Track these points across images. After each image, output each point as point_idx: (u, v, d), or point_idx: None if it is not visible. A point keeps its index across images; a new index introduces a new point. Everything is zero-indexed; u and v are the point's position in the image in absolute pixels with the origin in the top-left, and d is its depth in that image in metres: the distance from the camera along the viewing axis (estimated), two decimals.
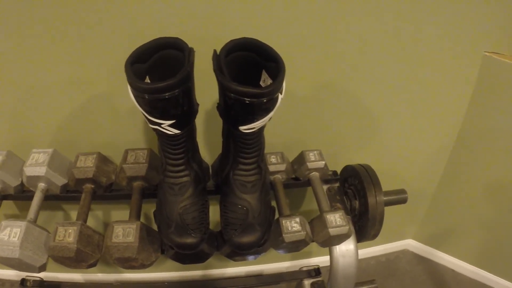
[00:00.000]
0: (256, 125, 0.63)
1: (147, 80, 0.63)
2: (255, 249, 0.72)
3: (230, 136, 0.69)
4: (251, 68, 0.65)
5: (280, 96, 0.61)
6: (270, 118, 0.64)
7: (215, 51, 0.62)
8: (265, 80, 0.66)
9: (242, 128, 0.63)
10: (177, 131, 0.63)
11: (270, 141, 0.75)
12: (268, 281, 1.09)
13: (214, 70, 0.60)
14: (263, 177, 0.74)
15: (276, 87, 0.58)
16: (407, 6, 0.85)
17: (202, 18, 0.78)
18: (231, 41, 0.63)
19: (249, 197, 0.72)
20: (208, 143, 0.98)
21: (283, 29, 0.83)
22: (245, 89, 0.57)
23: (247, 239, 0.69)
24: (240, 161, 0.71)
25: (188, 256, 0.76)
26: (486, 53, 0.99)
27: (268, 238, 0.74)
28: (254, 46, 0.63)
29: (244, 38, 0.63)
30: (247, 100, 0.57)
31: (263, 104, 0.59)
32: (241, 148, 0.68)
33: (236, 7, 0.78)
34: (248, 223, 0.70)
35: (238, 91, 0.57)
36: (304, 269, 1.00)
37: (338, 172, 0.98)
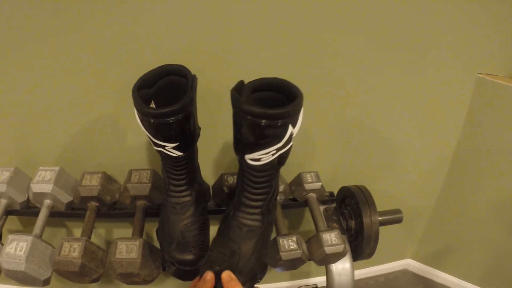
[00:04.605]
0: (262, 155, 0.59)
1: (152, 104, 0.67)
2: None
3: (240, 174, 0.67)
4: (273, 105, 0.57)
5: (291, 129, 0.57)
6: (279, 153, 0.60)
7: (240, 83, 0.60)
8: None
9: (248, 157, 0.60)
10: (179, 153, 0.66)
11: None
12: None
13: (232, 93, 0.57)
14: (264, 228, 0.69)
15: (288, 110, 0.54)
16: (404, 31, 0.89)
17: (204, 47, 0.82)
18: (261, 79, 0.60)
19: (241, 242, 0.67)
20: (208, 165, 1.00)
21: (277, 52, 0.86)
22: (259, 110, 0.53)
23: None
24: (243, 200, 0.67)
25: (188, 272, 0.78)
26: (480, 75, 1.02)
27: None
28: (283, 86, 0.59)
29: (275, 78, 0.60)
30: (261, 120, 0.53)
31: (271, 127, 0.54)
32: (247, 186, 0.66)
33: (242, 39, 0.82)
34: (230, 264, 0.65)
35: (252, 111, 0.53)
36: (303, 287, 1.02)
37: (335, 193, 1.00)
